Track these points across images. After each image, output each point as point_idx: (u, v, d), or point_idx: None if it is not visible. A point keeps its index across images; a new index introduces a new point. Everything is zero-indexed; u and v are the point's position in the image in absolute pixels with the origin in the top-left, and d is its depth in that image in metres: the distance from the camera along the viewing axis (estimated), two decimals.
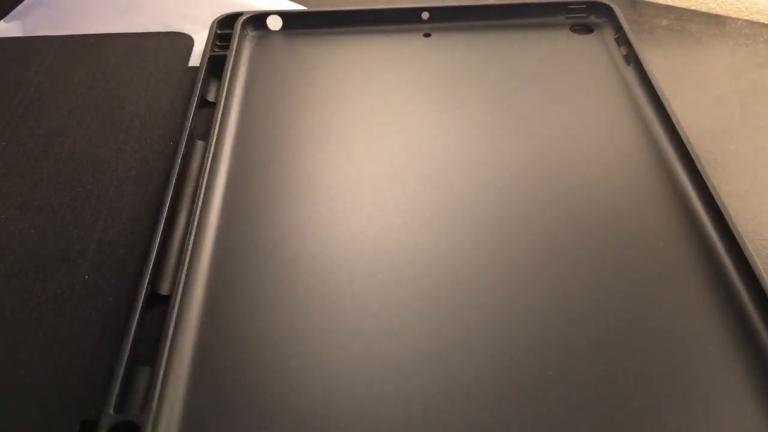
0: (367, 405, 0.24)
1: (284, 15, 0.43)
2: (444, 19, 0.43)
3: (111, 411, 0.23)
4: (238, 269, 0.29)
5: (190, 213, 0.30)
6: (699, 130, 0.37)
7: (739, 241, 0.28)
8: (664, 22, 0.47)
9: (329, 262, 0.29)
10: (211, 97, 0.38)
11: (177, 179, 0.32)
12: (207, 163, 0.32)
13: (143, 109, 0.38)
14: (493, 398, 0.24)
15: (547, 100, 0.38)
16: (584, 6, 0.44)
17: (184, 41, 0.44)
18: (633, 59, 0.40)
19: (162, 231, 0.29)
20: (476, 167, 0.34)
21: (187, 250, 0.28)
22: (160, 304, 0.28)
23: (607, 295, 0.28)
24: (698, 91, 0.41)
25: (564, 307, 0.27)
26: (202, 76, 0.38)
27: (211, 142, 0.34)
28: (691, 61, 0.44)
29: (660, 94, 0.36)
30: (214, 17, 0.43)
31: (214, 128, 0.34)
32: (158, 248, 0.29)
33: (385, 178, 0.33)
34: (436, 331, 0.26)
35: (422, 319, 0.27)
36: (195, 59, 0.43)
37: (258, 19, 0.43)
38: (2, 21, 0.47)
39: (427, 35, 0.43)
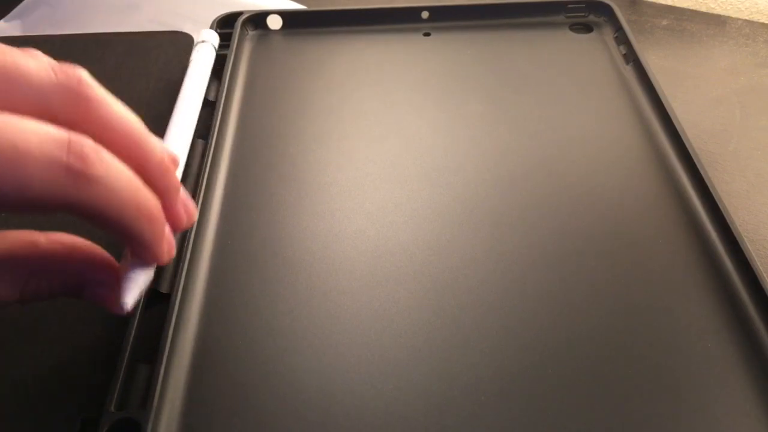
0: (367, 402, 0.24)
1: (284, 14, 0.43)
2: (444, 18, 0.43)
3: (112, 408, 0.23)
4: (238, 268, 0.29)
5: None
6: (699, 130, 0.37)
7: (739, 241, 0.28)
8: (664, 22, 0.47)
9: (329, 260, 0.29)
10: (211, 96, 0.38)
11: None
12: (207, 162, 0.32)
13: (143, 108, 0.38)
14: (493, 395, 0.24)
15: (547, 99, 0.38)
16: (584, 5, 0.44)
17: (185, 40, 0.44)
18: (632, 58, 0.40)
19: None
20: (475, 166, 0.34)
21: (187, 248, 0.28)
22: (160, 302, 0.28)
23: (606, 294, 0.28)
24: (698, 91, 0.41)
25: (563, 305, 0.27)
26: None
27: (211, 141, 0.34)
28: (691, 61, 0.44)
29: (660, 94, 0.36)
30: (215, 16, 0.43)
31: (214, 127, 0.35)
32: None
33: (385, 176, 0.33)
34: (436, 329, 0.26)
35: (422, 316, 0.27)
36: None
37: (258, 19, 0.43)
38: (2, 21, 0.47)
39: (427, 34, 0.43)
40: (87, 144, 0.18)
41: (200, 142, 0.35)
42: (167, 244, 0.21)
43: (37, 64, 0.19)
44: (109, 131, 0.19)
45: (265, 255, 0.29)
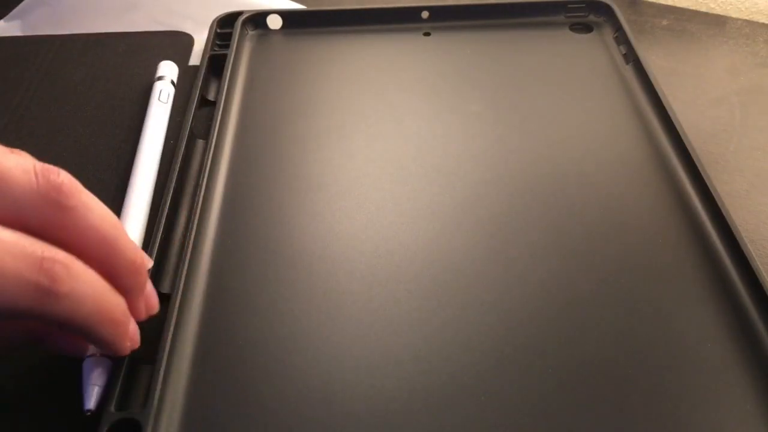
0: (367, 402, 0.24)
1: (284, 14, 0.43)
2: (444, 18, 0.43)
3: (113, 408, 0.23)
4: (238, 268, 0.29)
5: (190, 212, 0.30)
6: (699, 130, 0.37)
7: (739, 240, 0.28)
8: (664, 22, 0.47)
9: (329, 260, 0.29)
10: (211, 96, 0.38)
11: (177, 178, 0.32)
12: (207, 161, 0.32)
13: (143, 108, 0.38)
14: (493, 395, 0.24)
15: (547, 99, 0.38)
16: (584, 5, 0.44)
17: (185, 40, 0.44)
18: (632, 58, 0.40)
19: (162, 230, 0.29)
20: (476, 165, 0.34)
21: (187, 248, 0.28)
22: (160, 302, 0.28)
23: (606, 294, 0.28)
24: (698, 91, 0.41)
25: (563, 305, 0.27)
26: (202, 75, 0.38)
27: (212, 141, 0.34)
28: (691, 61, 0.44)
29: (660, 94, 0.36)
30: (215, 16, 0.43)
31: (215, 127, 0.35)
32: (159, 247, 0.29)
33: (386, 176, 0.33)
34: (436, 329, 0.26)
35: (423, 316, 0.27)
36: (195, 58, 0.43)
37: (258, 18, 0.43)
38: (2, 21, 0.47)
39: (427, 34, 0.43)
40: (58, 262, 0.19)
41: (200, 142, 0.35)
42: (130, 340, 0.23)
43: (19, 171, 0.19)
44: (83, 238, 0.20)
45: (265, 255, 0.29)
